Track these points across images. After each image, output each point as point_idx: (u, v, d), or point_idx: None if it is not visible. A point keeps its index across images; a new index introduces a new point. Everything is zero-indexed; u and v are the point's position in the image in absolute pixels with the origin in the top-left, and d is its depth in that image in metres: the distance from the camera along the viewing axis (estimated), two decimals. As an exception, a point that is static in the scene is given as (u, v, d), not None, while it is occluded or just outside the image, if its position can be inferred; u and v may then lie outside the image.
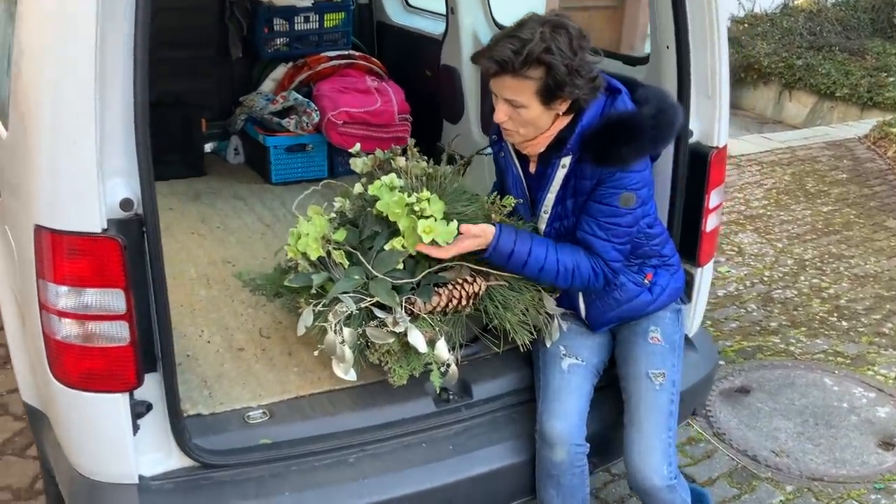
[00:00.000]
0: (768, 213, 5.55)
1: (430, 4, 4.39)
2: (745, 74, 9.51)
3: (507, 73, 2.01)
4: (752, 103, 9.64)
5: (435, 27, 4.10)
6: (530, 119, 2.08)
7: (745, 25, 9.98)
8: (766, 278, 4.60)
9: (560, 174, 2.17)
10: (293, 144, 3.96)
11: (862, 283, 4.54)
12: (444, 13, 3.87)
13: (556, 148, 2.16)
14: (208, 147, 4.36)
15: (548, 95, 2.03)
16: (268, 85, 4.28)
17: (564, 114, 2.11)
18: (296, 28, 4.23)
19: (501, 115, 2.10)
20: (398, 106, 3.95)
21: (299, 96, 3.97)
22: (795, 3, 10.45)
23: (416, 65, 4.14)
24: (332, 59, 4.19)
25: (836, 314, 4.20)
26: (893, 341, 3.94)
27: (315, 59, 4.20)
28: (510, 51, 1.98)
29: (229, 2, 4.14)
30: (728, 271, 4.68)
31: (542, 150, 2.18)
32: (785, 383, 3.56)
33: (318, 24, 4.27)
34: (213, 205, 3.68)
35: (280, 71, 4.29)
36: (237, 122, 4.20)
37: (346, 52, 4.26)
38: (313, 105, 3.91)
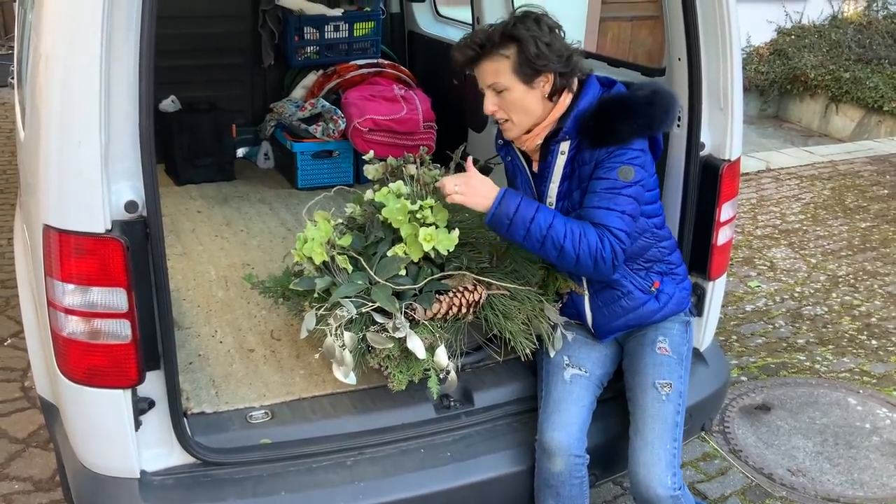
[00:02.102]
0: (804, 227, 5.45)
1: (459, 14, 4.43)
2: (791, 86, 9.38)
3: (483, 56, 2.12)
4: (798, 115, 9.49)
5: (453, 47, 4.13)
6: (516, 101, 2.14)
7: (793, 37, 9.82)
8: (796, 294, 4.52)
9: (560, 161, 2.20)
10: (320, 151, 4.03)
11: (895, 301, 4.43)
12: (471, 23, 3.91)
13: (554, 136, 2.20)
14: (240, 152, 4.46)
15: (525, 71, 2.11)
16: (298, 92, 4.36)
17: (553, 97, 2.16)
18: (326, 37, 4.30)
19: (490, 105, 2.17)
20: (424, 114, 3.98)
21: (326, 103, 4.03)
22: (845, 14, 10.25)
23: (444, 74, 4.17)
24: (361, 67, 4.25)
25: (865, 332, 4.11)
26: (924, 362, 3.85)
27: (345, 67, 4.26)
28: (482, 36, 2.12)
29: (261, 10, 4.23)
30: (758, 286, 4.61)
31: (540, 141, 2.22)
32: (807, 401, 3.50)
33: (347, 32, 4.34)
34: (239, 208, 3.76)
35: (310, 78, 4.36)
36: (267, 128, 4.28)
37: (375, 61, 4.32)
38: (340, 112, 3.97)
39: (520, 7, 2.20)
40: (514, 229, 2.08)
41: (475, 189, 2.12)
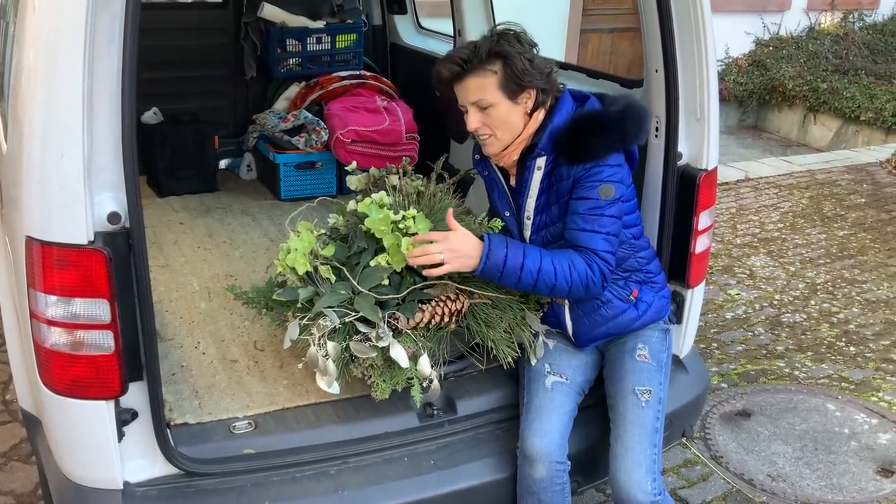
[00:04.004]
0: (783, 236, 5.52)
1: (440, 26, 4.47)
2: (769, 97, 9.49)
3: (469, 72, 2.14)
4: (777, 126, 9.61)
5: (444, 48, 4.17)
6: (501, 118, 2.16)
7: (771, 48, 9.95)
8: (775, 302, 4.57)
9: (537, 176, 2.23)
10: (303, 162, 4.04)
11: (873, 308, 4.50)
12: (453, 35, 3.95)
13: (530, 152, 2.23)
14: (223, 163, 4.46)
15: (511, 87, 2.13)
16: (281, 104, 4.38)
17: (533, 113, 2.19)
18: (308, 48, 4.32)
19: (474, 121, 2.19)
20: (406, 125, 4.01)
21: (309, 115, 4.05)
22: (822, 26, 10.40)
23: (426, 85, 4.17)
24: (343, 78, 4.27)
25: (844, 339, 4.17)
26: (901, 368, 3.90)
27: (327, 79, 4.28)
28: (467, 51, 2.14)
29: (244, 23, 4.24)
30: (738, 294, 4.66)
31: (517, 157, 2.25)
32: (787, 407, 3.54)
33: (330, 44, 4.36)
34: (221, 220, 3.77)
35: (293, 90, 4.38)
36: (250, 140, 4.29)
37: (358, 72, 4.34)
38: (322, 123, 3.99)
39: (498, 24, 2.22)
40: (506, 278, 2.12)
41: (459, 251, 2.09)
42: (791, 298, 4.62)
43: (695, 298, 2.61)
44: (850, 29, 10.36)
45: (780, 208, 6.03)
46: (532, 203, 2.25)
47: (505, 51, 2.12)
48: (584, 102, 2.25)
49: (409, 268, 2.26)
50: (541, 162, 2.21)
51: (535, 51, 2.19)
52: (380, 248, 2.26)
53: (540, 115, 2.22)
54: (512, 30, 2.19)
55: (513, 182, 2.32)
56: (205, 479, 2.06)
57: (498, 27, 2.21)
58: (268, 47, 4.30)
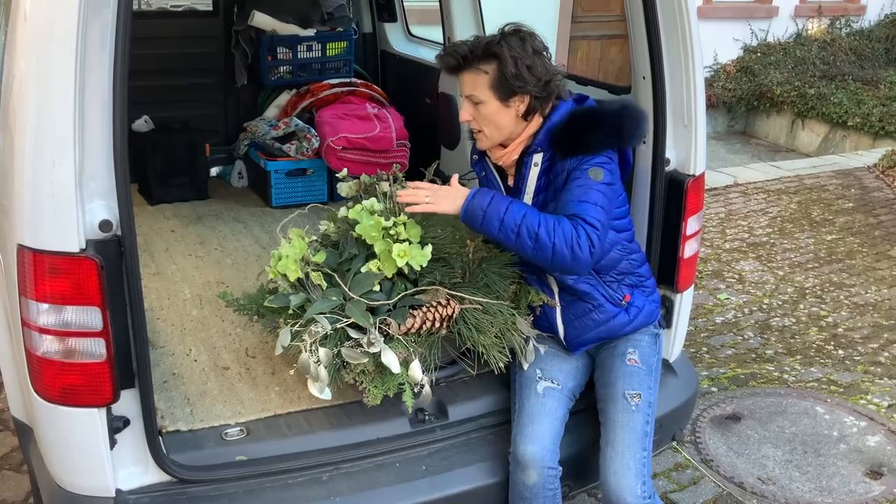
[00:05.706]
0: (771, 241, 5.55)
1: (430, 34, 4.49)
2: (758, 103, 9.56)
3: (465, 67, 2.19)
4: (766, 131, 9.67)
5: (434, 56, 4.19)
6: (490, 116, 2.20)
7: (759, 54, 10.02)
8: (765, 306, 4.60)
9: (534, 172, 2.26)
10: (294, 169, 4.05)
11: (861, 311, 4.53)
12: (442, 42, 3.97)
13: (527, 149, 2.26)
14: (214, 171, 4.47)
15: (501, 89, 2.16)
16: (272, 111, 4.39)
17: (528, 117, 2.22)
18: (298, 56, 4.34)
19: (465, 113, 2.25)
20: (397, 132, 4.03)
21: (300, 122, 4.07)
22: (809, 32, 10.48)
23: (417, 92, 4.23)
24: (334, 86, 4.28)
25: (832, 342, 4.20)
26: (888, 370, 3.93)
27: (318, 87, 4.30)
28: (467, 47, 2.18)
29: (234, 31, 4.26)
30: (727, 298, 4.69)
31: (516, 157, 2.28)
32: (776, 411, 3.56)
33: (320, 52, 4.38)
34: (213, 227, 3.77)
35: (284, 98, 4.39)
36: (241, 147, 4.30)
37: (348, 80, 4.36)
38: (313, 131, 4.00)
39: (509, 24, 2.23)
40: (489, 221, 2.11)
41: (444, 195, 2.15)
42: (780, 302, 4.65)
43: (684, 302, 2.63)
44: (836, 35, 10.45)
45: (769, 213, 6.07)
46: (529, 200, 2.27)
47: (500, 53, 2.14)
48: (583, 103, 2.30)
49: (400, 274, 2.27)
50: (537, 158, 2.24)
51: (545, 55, 2.20)
52: (371, 255, 2.28)
53: (538, 119, 2.24)
54: (522, 31, 2.20)
55: (510, 182, 2.35)
56: (197, 487, 2.06)
57: (508, 26, 2.22)
58: (258, 55, 4.31)
